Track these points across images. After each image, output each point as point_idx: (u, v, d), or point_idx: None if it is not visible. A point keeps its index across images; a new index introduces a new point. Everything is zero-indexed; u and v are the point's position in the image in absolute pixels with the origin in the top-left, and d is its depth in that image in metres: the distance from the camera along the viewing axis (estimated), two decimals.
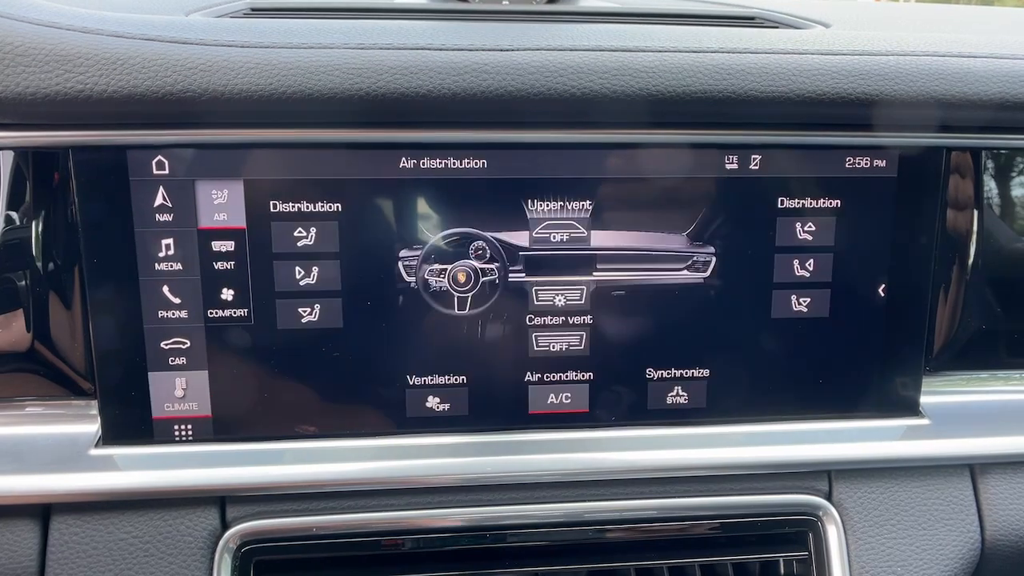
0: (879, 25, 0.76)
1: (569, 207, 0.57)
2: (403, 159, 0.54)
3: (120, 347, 0.55)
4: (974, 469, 0.63)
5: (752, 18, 0.78)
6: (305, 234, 0.55)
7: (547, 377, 0.59)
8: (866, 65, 0.54)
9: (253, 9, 0.72)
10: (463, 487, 0.58)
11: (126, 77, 0.48)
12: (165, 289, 0.55)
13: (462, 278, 0.57)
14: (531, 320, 0.58)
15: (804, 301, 0.60)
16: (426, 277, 0.56)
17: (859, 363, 0.61)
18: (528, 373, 0.59)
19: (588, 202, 0.57)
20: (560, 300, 0.58)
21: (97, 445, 0.56)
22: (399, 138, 0.54)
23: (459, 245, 0.57)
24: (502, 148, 0.55)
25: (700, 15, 0.79)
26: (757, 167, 0.58)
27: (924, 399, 0.63)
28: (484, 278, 0.57)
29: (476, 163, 0.55)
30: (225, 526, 0.56)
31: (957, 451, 0.62)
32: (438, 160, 0.55)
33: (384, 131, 0.54)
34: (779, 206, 0.58)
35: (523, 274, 0.57)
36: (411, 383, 0.58)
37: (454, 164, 0.55)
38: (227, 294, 0.55)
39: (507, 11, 0.76)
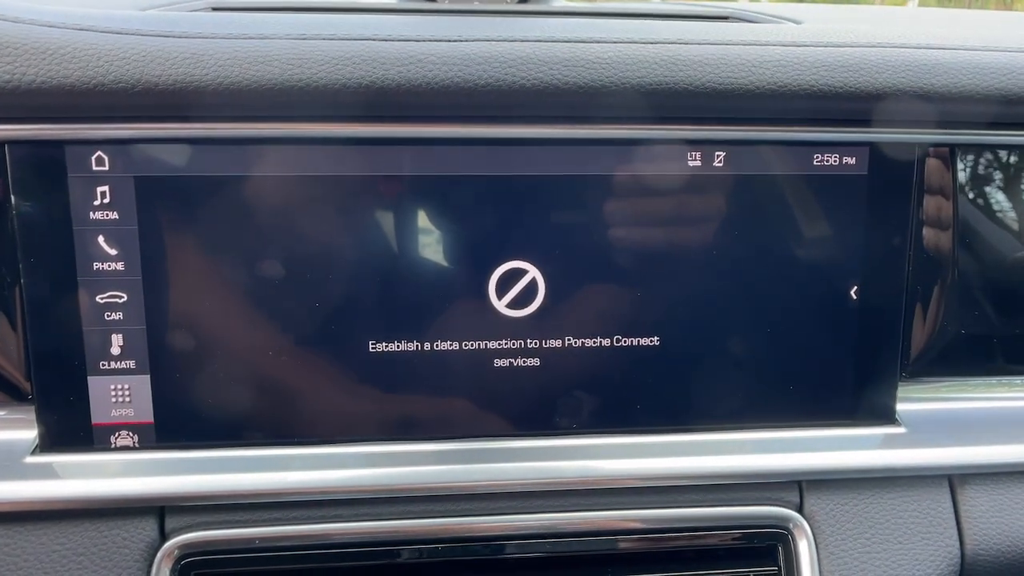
0: (854, 23, 0.74)
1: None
2: (350, 154, 0.52)
3: (58, 350, 0.53)
4: (953, 480, 0.60)
5: (726, 17, 0.76)
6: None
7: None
8: (829, 56, 0.52)
9: (214, 8, 0.71)
10: (415, 498, 0.55)
11: (54, 67, 0.46)
12: (105, 290, 0.53)
13: None
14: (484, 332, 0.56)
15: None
16: None
17: (832, 369, 0.59)
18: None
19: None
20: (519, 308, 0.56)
21: (34, 452, 0.53)
22: (344, 132, 0.52)
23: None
24: (450, 144, 0.53)
25: (674, 14, 0.77)
26: (721, 164, 0.55)
27: (900, 406, 0.60)
28: None
29: (425, 160, 0.53)
30: (164, 537, 0.53)
31: (935, 461, 0.59)
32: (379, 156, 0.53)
33: (329, 125, 0.51)
34: None
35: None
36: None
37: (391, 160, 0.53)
38: (169, 296, 0.53)
39: (477, 11, 0.75)
